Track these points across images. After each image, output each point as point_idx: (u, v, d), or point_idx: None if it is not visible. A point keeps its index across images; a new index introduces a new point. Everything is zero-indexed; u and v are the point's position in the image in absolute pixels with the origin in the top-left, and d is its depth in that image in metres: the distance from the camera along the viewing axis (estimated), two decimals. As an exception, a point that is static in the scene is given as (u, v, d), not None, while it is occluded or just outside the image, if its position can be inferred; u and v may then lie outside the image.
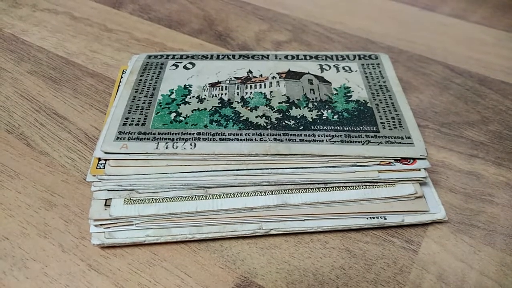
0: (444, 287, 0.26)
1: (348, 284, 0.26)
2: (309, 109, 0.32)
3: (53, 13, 0.52)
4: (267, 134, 0.30)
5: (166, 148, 0.29)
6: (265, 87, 0.34)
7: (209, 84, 0.35)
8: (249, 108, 0.32)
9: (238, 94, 0.34)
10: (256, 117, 0.31)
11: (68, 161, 0.33)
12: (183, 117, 0.31)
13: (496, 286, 0.26)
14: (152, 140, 0.29)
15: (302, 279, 0.27)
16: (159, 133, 0.30)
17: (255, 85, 0.35)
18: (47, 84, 0.41)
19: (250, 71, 0.36)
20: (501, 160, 0.34)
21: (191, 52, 0.39)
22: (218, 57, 0.38)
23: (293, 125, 0.31)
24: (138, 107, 0.32)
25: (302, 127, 0.31)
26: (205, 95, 0.33)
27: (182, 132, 0.30)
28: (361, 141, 0.30)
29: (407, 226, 0.29)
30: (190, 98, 0.33)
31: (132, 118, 0.31)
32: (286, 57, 0.38)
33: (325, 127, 0.31)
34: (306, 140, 0.29)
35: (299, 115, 0.32)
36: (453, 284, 0.26)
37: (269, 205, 0.28)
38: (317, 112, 0.32)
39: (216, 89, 0.34)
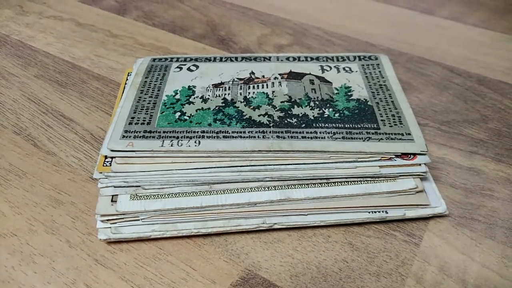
0: (446, 278, 0.26)
1: (351, 276, 0.27)
2: (310, 107, 0.33)
3: (59, 20, 0.53)
4: (270, 132, 0.30)
5: (171, 145, 0.29)
6: (267, 87, 0.35)
7: (212, 85, 0.35)
8: (252, 107, 0.33)
9: (241, 94, 0.34)
10: (259, 115, 0.32)
11: (74, 161, 0.34)
12: (188, 116, 0.32)
13: (497, 277, 0.26)
14: (157, 138, 0.30)
15: (305, 271, 0.27)
16: (164, 132, 0.30)
17: (258, 86, 0.35)
18: (53, 88, 0.42)
19: (252, 72, 0.37)
20: (500, 157, 0.35)
21: (194, 55, 0.40)
22: (221, 59, 0.39)
23: (295, 123, 0.31)
24: (144, 107, 0.33)
25: (304, 125, 0.31)
26: (209, 95, 0.34)
27: (186, 131, 0.30)
28: (362, 138, 0.30)
29: (409, 220, 0.30)
30: (194, 98, 0.34)
31: (138, 118, 0.32)
32: (287, 59, 0.39)
33: (326, 124, 0.31)
34: (308, 137, 0.30)
35: (301, 113, 0.32)
36: (455, 275, 0.27)
37: (272, 200, 0.28)
38: (319, 110, 0.33)
39: (219, 89, 0.35)
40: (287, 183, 0.29)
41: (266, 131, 0.31)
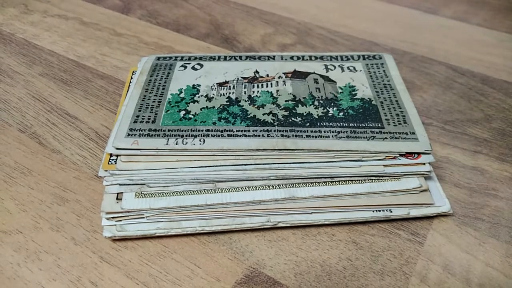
0: (450, 277, 0.27)
1: (355, 274, 0.27)
2: (315, 106, 0.33)
3: (63, 19, 0.53)
4: (274, 131, 0.31)
5: (176, 144, 0.29)
6: (271, 86, 0.35)
7: (217, 83, 0.36)
8: (256, 106, 0.33)
9: (245, 93, 0.34)
10: (263, 114, 0.32)
11: (79, 159, 0.34)
12: (192, 114, 0.32)
13: (501, 276, 0.27)
14: (162, 136, 0.30)
15: (309, 270, 0.27)
16: (169, 130, 0.31)
17: (262, 85, 0.35)
18: (58, 86, 0.42)
19: (256, 71, 0.37)
20: (504, 156, 0.35)
21: (199, 54, 0.40)
22: (225, 58, 0.39)
23: (300, 122, 0.31)
24: (148, 105, 0.33)
25: (308, 124, 0.31)
26: (213, 94, 0.34)
27: (191, 129, 0.31)
28: (366, 137, 0.30)
29: (413, 219, 0.30)
30: (198, 97, 0.34)
31: (143, 116, 0.32)
32: (291, 58, 0.39)
33: (331, 123, 0.31)
34: (313, 136, 0.30)
35: (305, 112, 0.32)
36: (459, 274, 0.27)
37: (277, 199, 0.29)
38: (323, 109, 0.33)
39: (224, 88, 0.35)
40: (291, 182, 0.29)
41: (271, 130, 0.31)
